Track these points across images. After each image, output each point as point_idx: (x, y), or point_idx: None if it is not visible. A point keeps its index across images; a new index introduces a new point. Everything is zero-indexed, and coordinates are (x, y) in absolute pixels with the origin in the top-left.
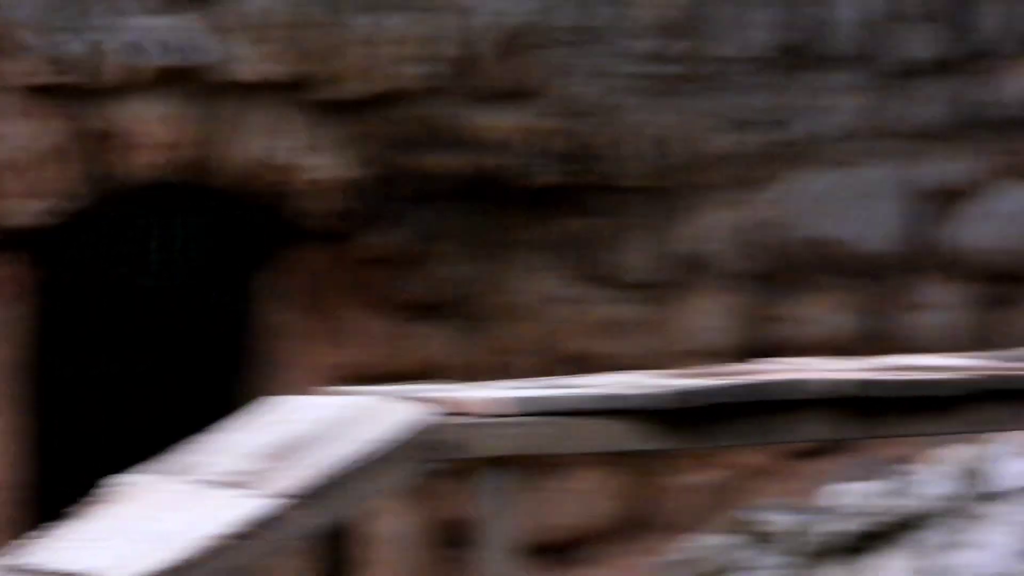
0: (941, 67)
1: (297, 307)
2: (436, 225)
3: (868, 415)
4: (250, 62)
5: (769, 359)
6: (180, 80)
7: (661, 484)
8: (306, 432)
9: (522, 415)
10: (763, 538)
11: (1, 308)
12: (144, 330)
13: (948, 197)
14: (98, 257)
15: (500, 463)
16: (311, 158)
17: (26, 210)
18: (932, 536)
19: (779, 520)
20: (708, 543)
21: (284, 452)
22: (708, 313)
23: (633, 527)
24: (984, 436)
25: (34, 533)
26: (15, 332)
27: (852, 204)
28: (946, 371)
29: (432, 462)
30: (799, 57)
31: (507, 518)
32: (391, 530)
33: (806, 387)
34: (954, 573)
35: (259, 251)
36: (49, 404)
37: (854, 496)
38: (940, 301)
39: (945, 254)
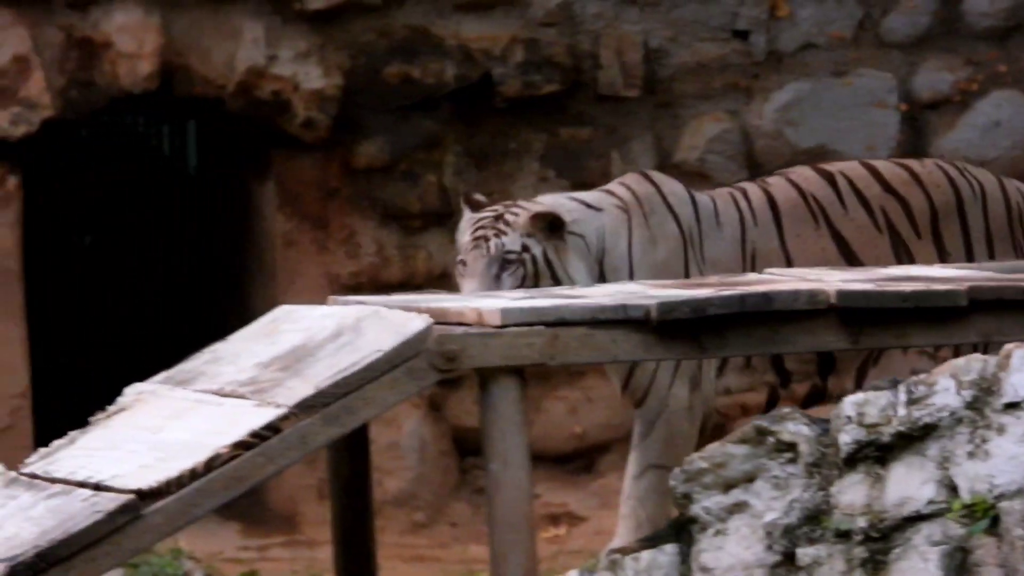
0: None
1: (295, 217)
2: (430, 135)
3: (878, 324)
4: None
5: (778, 270)
6: None
7: None
8: (311, 341)
9: (517, 326)
10: (786, 447)
11: None
12: (139, 243)
13: (940, 105)
14: (88, 166)
15: (503, 372)
16: (300, 67)
17: (9, 118)
18: (952, 446)
19: (802, 430)
20: (730, 451)
21: (290, 361)
22: None
23: None
24: (998, 346)
25: (44, 443)
26: (4, 239)
27: (847, 113)
28: (949, 282)
29: (437, 371)
30: None
31: (515, 427)
32: (405, 440)
33: (816, 298)
34: (974, 482)
35: (254, 162)
36: (41, 312)
37: (875, 407)
38: None
39: None
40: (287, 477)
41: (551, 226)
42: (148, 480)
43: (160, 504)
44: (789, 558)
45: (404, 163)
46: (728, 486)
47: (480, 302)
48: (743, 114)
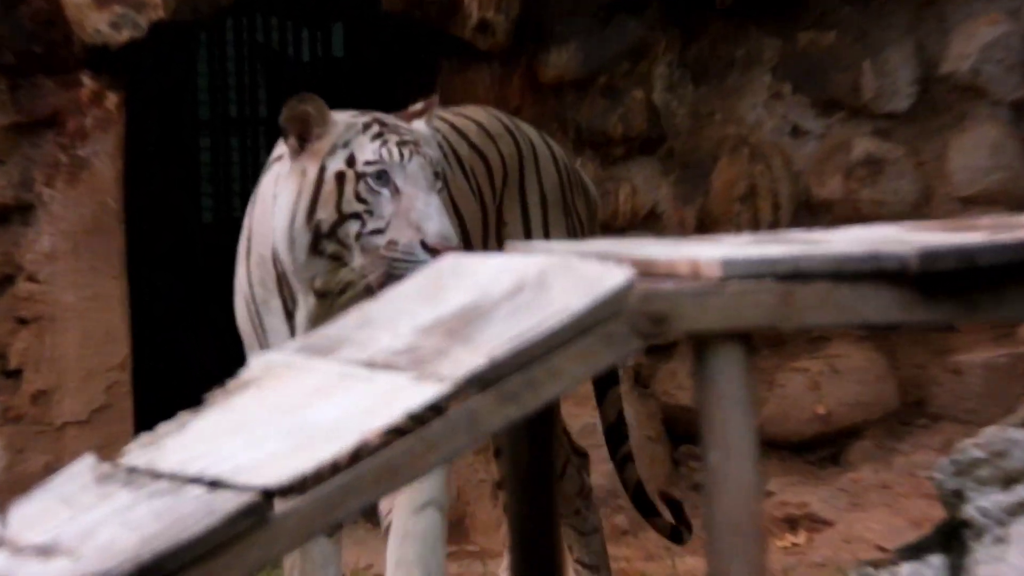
0: None
1: None
2: (636, 42)
3: None
4: None
5: None
6: None
7: (941, 364)
8: (484, 300)
9: (741, 279)
10: None
11: (88, 140)
12: None
13: None
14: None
15: (724, 338)
16: None
17: (109, 20)
18: None
19: None
20: (1012, 436)
21: (458, 325)
22: (982, 150)
23: (907, 416)
24: None
25: (146, 427)
26: (104, 170)
27: None
28: None
29: (641, 336)
30: None
31: (740, 407)
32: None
33: None
34: None
35: (415, 74)
36: (144, 266)
37: None
38: None
39: None
40: (454, 471)
41: None
42: (278, 474)
43: (293, 504)
44: None
45: (603, 77)
46: (1010, 480)
47: (695, 249)
48: None
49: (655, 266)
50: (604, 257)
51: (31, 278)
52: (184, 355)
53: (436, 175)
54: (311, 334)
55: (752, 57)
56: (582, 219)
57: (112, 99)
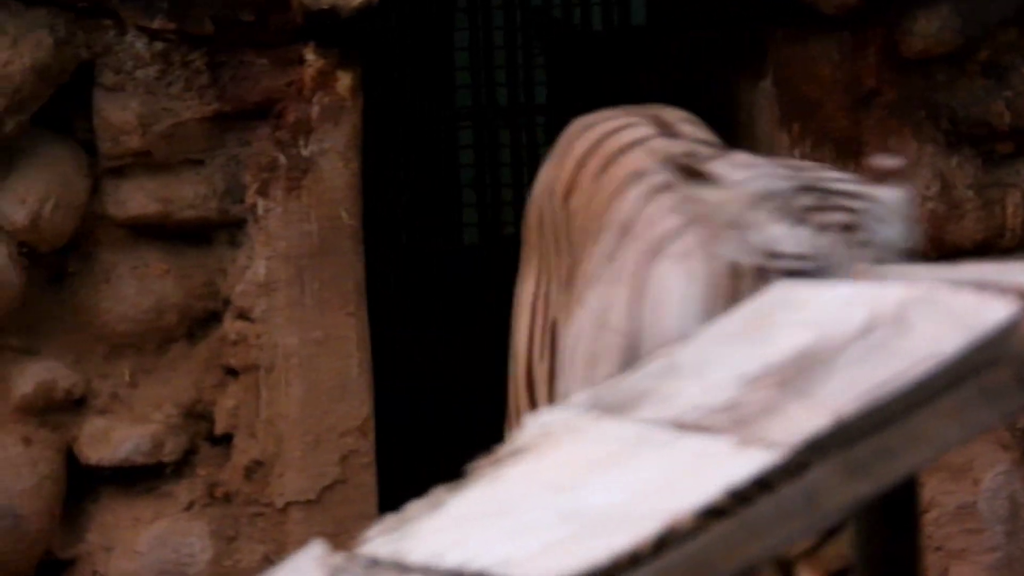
0: None
1: (808, 134)
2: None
3: None
4: None
5: None
6: None
7: None
8: (825, 341)
9: None
10: None
11: (313, 135)
12: None
13: None
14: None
15: None
16: None
17: None
18: None
19: None
20: None
21: (792, 374)
22: None
23: None
24: None
25: (390, 507)
26: (334, 175)
27: None
28: None
29: None
30: None
31: None
32: (984, 503)
33: None
34: None
35: (738, 45)
36: (383, 300)
37: None
38: None
39: None
40: None
41: None
42: (559, 568)
43: None
44: None
45: (986, 49)
46: None
47: None
48: None
49: None
50: (982, 286)
51: (242, 315)
52: (441, 416)
53: None
54: (604, 385)
55: None
56: None
57: (344, 81)
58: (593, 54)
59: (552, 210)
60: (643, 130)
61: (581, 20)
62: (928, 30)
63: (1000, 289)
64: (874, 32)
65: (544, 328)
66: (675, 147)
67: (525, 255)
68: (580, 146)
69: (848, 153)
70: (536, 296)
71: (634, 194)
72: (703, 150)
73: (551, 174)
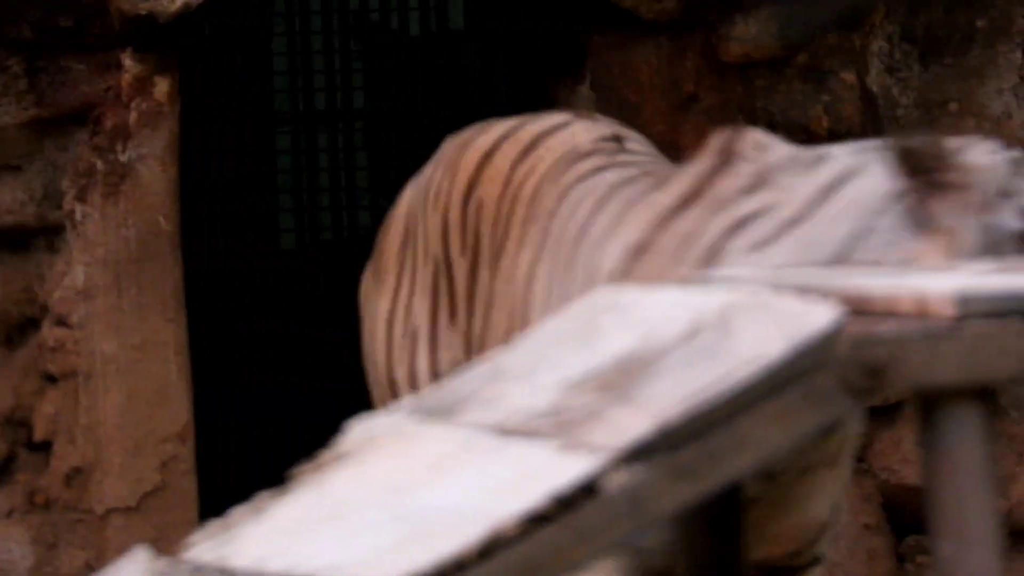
0: None
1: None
2: (844, 11)
3: None
4: None
5: None
6: None
7: None
8: (650, 345)
9: (982, 318)
10: None
11: (131, 141)
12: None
13: None
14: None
15: (961, 397)
16: None
17: None
18: None
19: None
20: None
21: (617, 378)
22: None
23: None
24: None
25: (213, 512)
26: (153, 180)
27: None
28: None
29: (854, 393)
30: None
31: (980, 485)
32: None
33: None
34: None
35: (558, 49)
36: (201, 302)
37: None
38: None
39: None
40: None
41: None
42: (385, 574)
43: None
44: None
45: (804, 54)
46: None
47: (922, 279)
48: None
49: (870, 302)
50: (805, 290)
51: (60, 322)
52: (262, 420)
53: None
54: (428, 391)
55: (997, 28)
56: None
57: (162, 87)
58: (411, 58)
59: (427, 220)
60: (557, 118)
61: (399, 24)
62: (747, 35)
63: (824, 293)
64: (693, 37)
65: (404, 336)
66: (604, 128)
67: (378, 272)
68: (481, 143)
69: (667, 154)
70: (392, 312)
71: (573, 172)
72: (628, 131)
73: (424, 185)
